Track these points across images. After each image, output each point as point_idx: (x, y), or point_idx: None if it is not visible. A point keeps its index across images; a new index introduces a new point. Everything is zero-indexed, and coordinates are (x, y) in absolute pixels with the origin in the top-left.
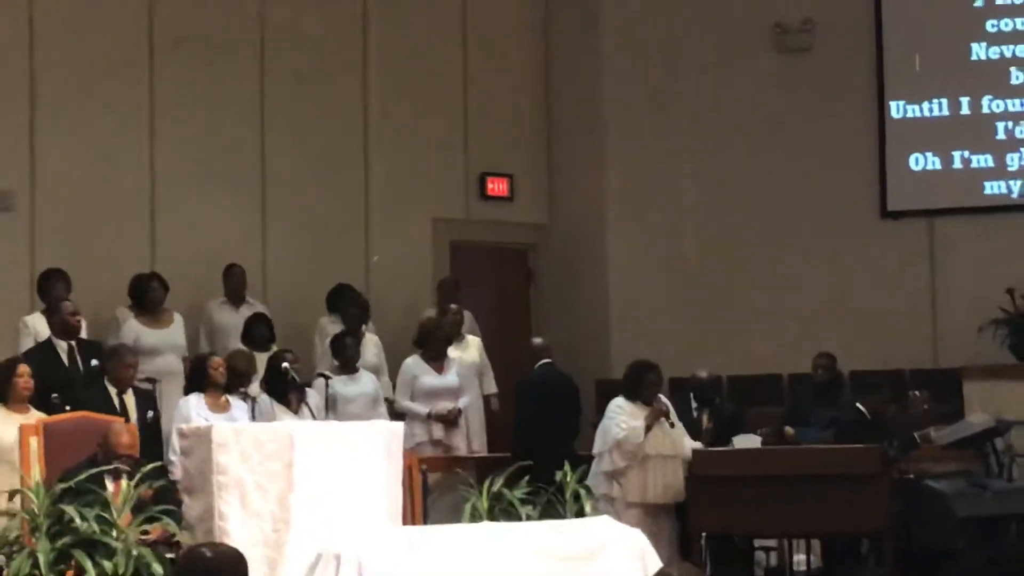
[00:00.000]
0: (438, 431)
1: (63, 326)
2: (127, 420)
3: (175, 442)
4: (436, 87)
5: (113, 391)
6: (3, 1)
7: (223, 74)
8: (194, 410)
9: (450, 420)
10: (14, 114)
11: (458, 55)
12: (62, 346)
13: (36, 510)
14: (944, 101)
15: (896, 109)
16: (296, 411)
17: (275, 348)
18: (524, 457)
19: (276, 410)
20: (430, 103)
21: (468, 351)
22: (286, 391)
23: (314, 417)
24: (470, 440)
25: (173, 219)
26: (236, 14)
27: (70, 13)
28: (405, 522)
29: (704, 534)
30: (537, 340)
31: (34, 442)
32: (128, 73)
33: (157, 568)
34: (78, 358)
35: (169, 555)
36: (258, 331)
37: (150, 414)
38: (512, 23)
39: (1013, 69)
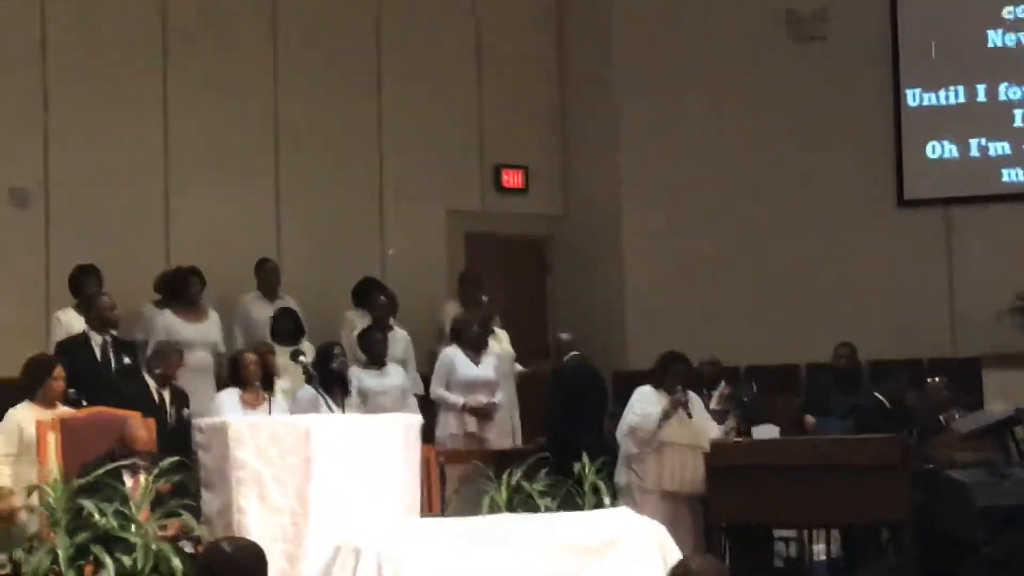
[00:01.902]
0: (472, 424)
1: (101, 319)
2: (165, 415)
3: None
4: (450, 79)
5: (153, 386)
6: None
7: (236, 68)
8: (227, 406)
9: (485, 414)
10: (28, 111)
11: (472, 47)
12: (97, 340)
13: (55, 505)
14: (961, 88)
15: (912, 97)
16: (339, 405)
17: (305, 340)
18: (561, 450)
19: (321, 403)
20: (444, 95)
21: (503, 344)
22: (333, 386)
23: (343, 411)
24: (514, 435)
25: (188, 214)
26: (249, 7)
27: (82, 6)
28: (423, 514)
29: (724, 524)
30: (564, 335)
31: (51, 437)
32: (141, 67)
33: (176, 563)
34: (111, 353)
35: (188, 550)
36: (285, 326)
37: (185, 412)
38: (525, 15)
39: None
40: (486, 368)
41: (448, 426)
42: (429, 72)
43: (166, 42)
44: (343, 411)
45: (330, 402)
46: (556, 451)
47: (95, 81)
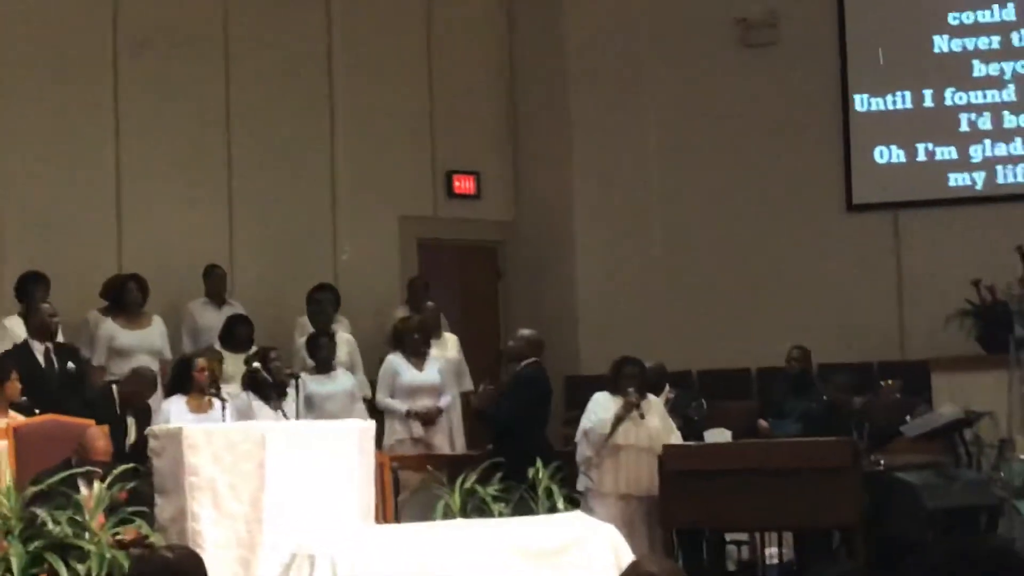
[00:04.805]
0: (418, 429)
1: (41, 327)
2: (125, 427)
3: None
4: (401, 85)
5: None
6: None
7: (188, 74)
8: (175, 413)
9: (428, 418)
10: None
11: (423, 53)
12: (38, 348)
13: (8, 514)
14: (908, 94)
15: (860, 102)
16: (276, 409)
17: (253, 349)
18: (508, 454)
19: (256, 408)
20: (395, 101)
21: (448, 349)
22: (267, 391)
23: (286, 417)
24: (453, 439)
25: (140, 221)
26: (200, 14)
27: (33, 13)
28: (377, 521)
29: (676, 528)
30: (534, 333)
31: (3, 445)
32: (92, 73)
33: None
34: (54, 360)
35: None
36: (241, 332)
37: (148, 430)
38: (476, 21)
39: (975, 61)
40: (429, 373)
41: (394, 432)
42: (380, 78)
43: (117, 47)
44: (280, 416)
45: (259, 408)
46: (514, 457)
47: (46, 86)
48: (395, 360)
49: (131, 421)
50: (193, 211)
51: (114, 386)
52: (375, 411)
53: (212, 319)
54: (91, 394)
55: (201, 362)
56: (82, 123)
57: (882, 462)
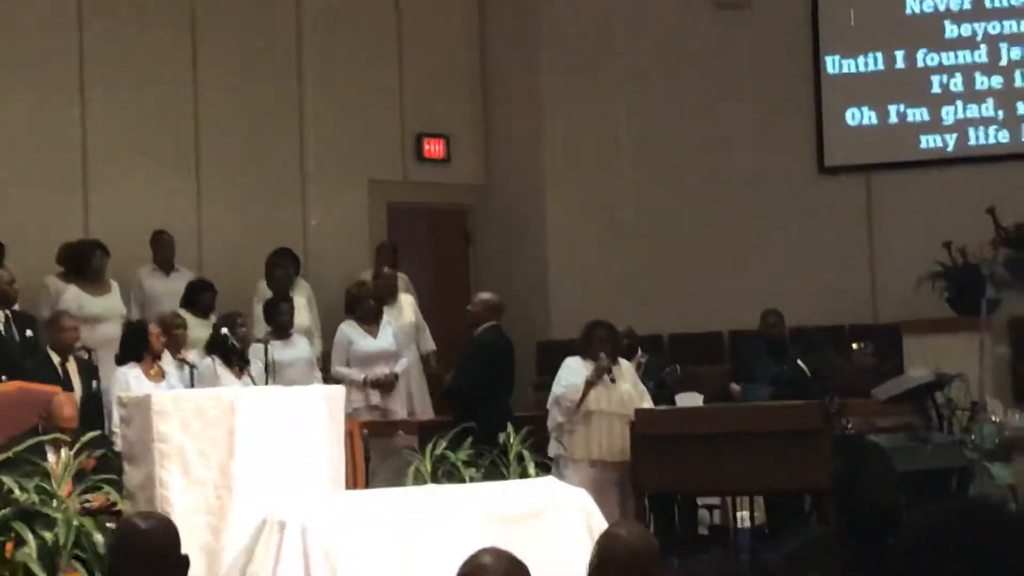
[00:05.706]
0: (375, 396)
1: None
2: (71, 389)
3: (116, 411)
4: (371, 48)
5: (56, 359)
6: None
7: (154, 38)
8: (132, 380)
9: (385, 385)
10: None
11: (392, 16)
12: None
13: None
14: (879, 55)
15: (832, 64)
16: (239, 376)
17: (215, 315)
18: (471, 420)
19: (220, 373)
20: (365, 64)
21: (403, 312)
22: (230, 356)
23: (254, 383)
24: (412, 403)
25: (106, 187)
26: None
27: None
28: (348, 487)
29: (648, 493)
30: (493, 297)
31: None
32: (57, 38)
33: (98, 537)
34: (13, 328)
35: (110, 524)
36: (204, 297)
37: (94, 384)
38: None
39: (947, 23)
40: (384, 339)
41: (351, 401)
42: (349, 41)
43: (82, 12)
44: (248, 381)
45: (224, 372)
46: (478, 422)
47: (10, 52)
48: (348, 329)
49: (73, 370)
50: (160, 178)
51: (48, 348)
52: (329, 380)
53: (160, 286)
54: (30, 364)
55: (155, 328)
56: (47, 88)
57: (851, 424)
